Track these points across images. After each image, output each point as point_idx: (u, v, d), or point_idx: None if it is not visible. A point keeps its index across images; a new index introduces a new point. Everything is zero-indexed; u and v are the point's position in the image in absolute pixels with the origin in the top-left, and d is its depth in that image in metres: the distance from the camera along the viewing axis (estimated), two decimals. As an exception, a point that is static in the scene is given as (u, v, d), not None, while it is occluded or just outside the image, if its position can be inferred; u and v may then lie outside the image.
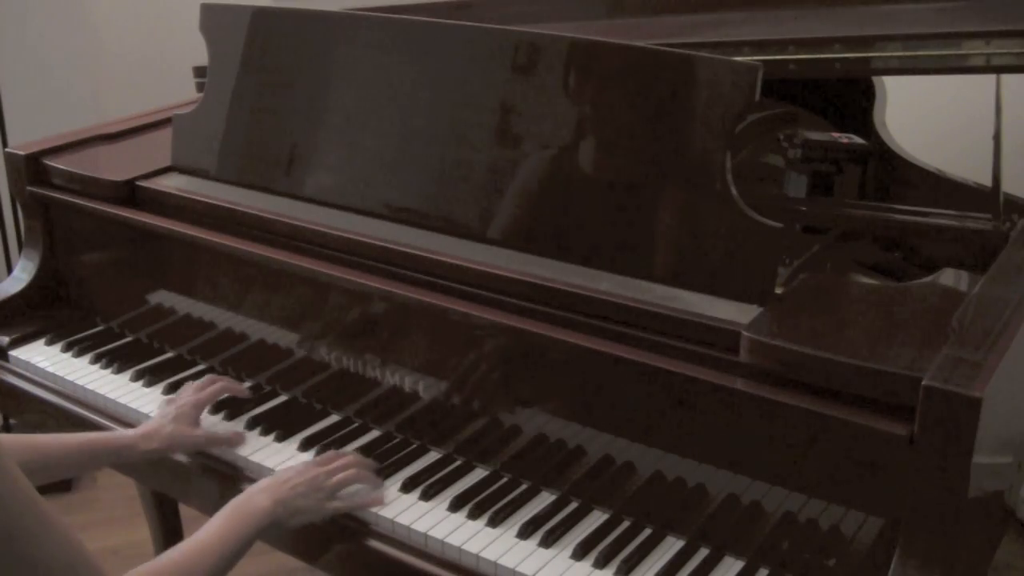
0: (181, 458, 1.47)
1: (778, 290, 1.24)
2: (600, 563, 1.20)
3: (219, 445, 1.45)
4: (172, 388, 1.60)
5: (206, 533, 1.18)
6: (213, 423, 1.51)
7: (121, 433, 1.43)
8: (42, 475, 1.30)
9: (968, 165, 1.67)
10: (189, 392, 1.49)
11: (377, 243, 1.45)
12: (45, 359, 1.70)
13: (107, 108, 2.85)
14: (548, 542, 1.24)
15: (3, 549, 0.91)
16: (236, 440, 1.45)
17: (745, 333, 1.14)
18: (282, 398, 1.58)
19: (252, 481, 1.39)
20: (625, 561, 1.20)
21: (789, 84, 1.57)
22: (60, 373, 1.66)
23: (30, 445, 1.32)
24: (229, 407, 1.53)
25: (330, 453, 1.39)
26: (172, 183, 1.72)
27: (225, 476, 1.43)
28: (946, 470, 1.02)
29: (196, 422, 1.45)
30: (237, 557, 1.19)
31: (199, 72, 2.03)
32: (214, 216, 1.62)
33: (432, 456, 1.42)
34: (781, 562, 1.18)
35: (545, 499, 1.33)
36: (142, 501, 2.10)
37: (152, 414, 1.52)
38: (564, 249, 1.35)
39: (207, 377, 1.53)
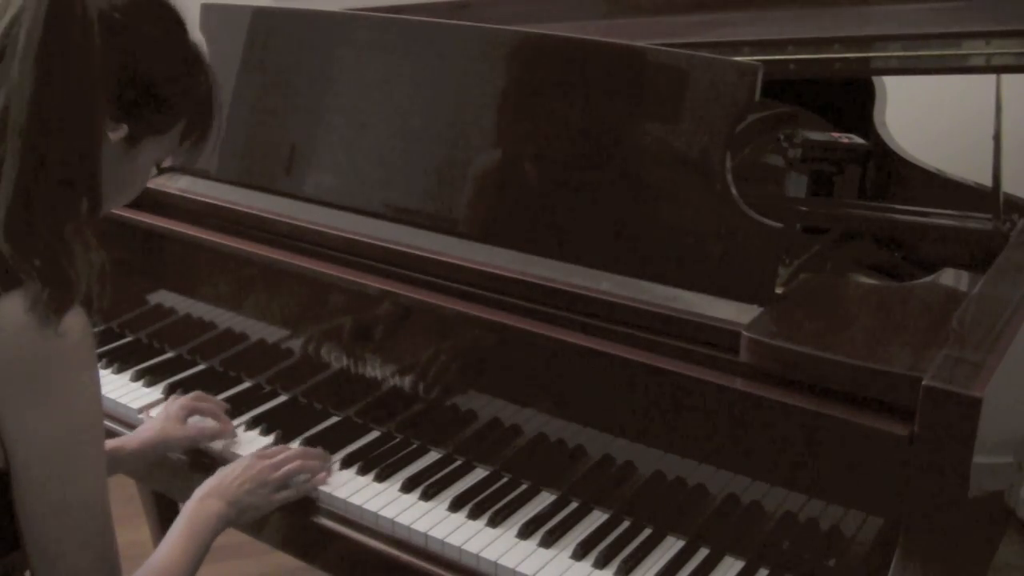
0: (182, 456, 1.47)
1: (778, 290, 1.24)
2: (600, 563, 1.20)
3: (208, 440, 1.46)
4: (172, 388, 1.60)
5: (167, 550, 1.18)
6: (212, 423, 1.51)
7: (121, 443, 1.42)
8: None
9: (968, 165, 1.67)
10: (177, 399, 1.49)
11: (377, 243, 1.44)
12: (45, 359, 1.70)
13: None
14: (548, 542, 1.24)
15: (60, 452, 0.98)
16: (224, 431, 1.47)
17: (745, 333, 1.14)
18: (282, 398, 1.58)
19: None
20: (625, 561, 1.20)
21: (789, 84, 1.57)
22: (60, 373, 1.65)
23: None
24: (229, 407, 1.53)
25: (275, 448, 1.40)
26: (172, 183, 1.72)
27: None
28: (946, 470, 1.01)
29: (183, 422, 1.45)
30: (199, 561, 1.21)
31: (199, 72, 2.03)
32: (214, 216, 1.62)
33: (432, 456, 1.42)
34: (781, 562, 1.18)
35: (545, 499, 1.32)
36: (142, 501, 2.10)
37: (152, 414, 1.53)
38: (564, 249, 1.35)
39: (196, 394, 1.51)
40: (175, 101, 1.06)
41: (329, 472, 1.37)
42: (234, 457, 1.42)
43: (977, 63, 1.43)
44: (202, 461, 1.46)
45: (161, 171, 1.75)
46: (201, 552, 1.21)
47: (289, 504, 1.34)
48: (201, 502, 1.26)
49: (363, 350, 1.46)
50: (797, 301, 1.23)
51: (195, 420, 1.48)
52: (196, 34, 1.10)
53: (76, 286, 0.96)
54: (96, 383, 1.03)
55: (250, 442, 1.46)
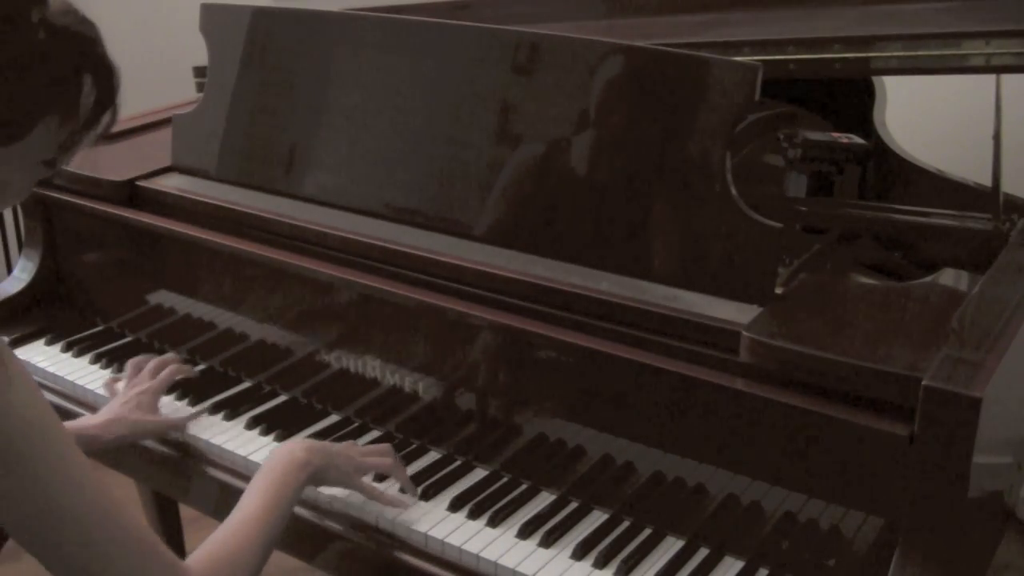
0: (190, 460, 1.47)
1: (778, 290, 1.24)
2: (600, 563, 1.20)
3: (178, 429, 1.48)
4: (172, 388, 1.58)
5: (250, 500, 1.15)
6: (212, 423, 1.51)
7: (83, 424, 1.43)
8: None
9: (968, 165, 1.67)
10: (145, 376, 1.51)
11: (377, 243, 1.44)
12: (45, 359, 1.70)
13: (107, 108, 2.84)
14: (548, 542, 1.24)
15: (39, 443, 0.90)
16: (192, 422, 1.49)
17: (745, 333, 1.14)
18: (282, 398, 1.58)
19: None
20: (625, 561, 1.20)
21: (789, 84, 1.57)
22: (60, 373, 1.66)
23: None
24: (229, 407, 1.53)
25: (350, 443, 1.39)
26: (172, 183, 1.72)
27: (227, 474, 1.43)
28: (946, 470, 1.02)
29: (154, 409, 1.48)
30: (286, 515, 1.17)
31: (199, 72, 2.04)
32: (214, 216, 1.62)
33: (432, 456, 1.42)
34: (781, 562, 1.18)
35: (545, 499, 1.32)
36: (142, 501, 2.10)
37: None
38: (564, 249, 1.35)
39: (157, 360, 1.55)
40: (16, 110, 0.87)
41: (406, 499, 1.32)
42: (242, 462, 1.43)
43: (977, 63, 1.43)
44: (207, 467, 1.46)
45: (160, 171, 1.75)
46: (286, 500, 1.16)
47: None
48: (284, 450, 1.23)
49: (363, 350, 1.46)
50: (797, 301, 1.23)
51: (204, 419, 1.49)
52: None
53: None
54: (25, 390, 0.91)
55: (249, 442, 1.46)
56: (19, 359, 0.93)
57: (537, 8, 1.86)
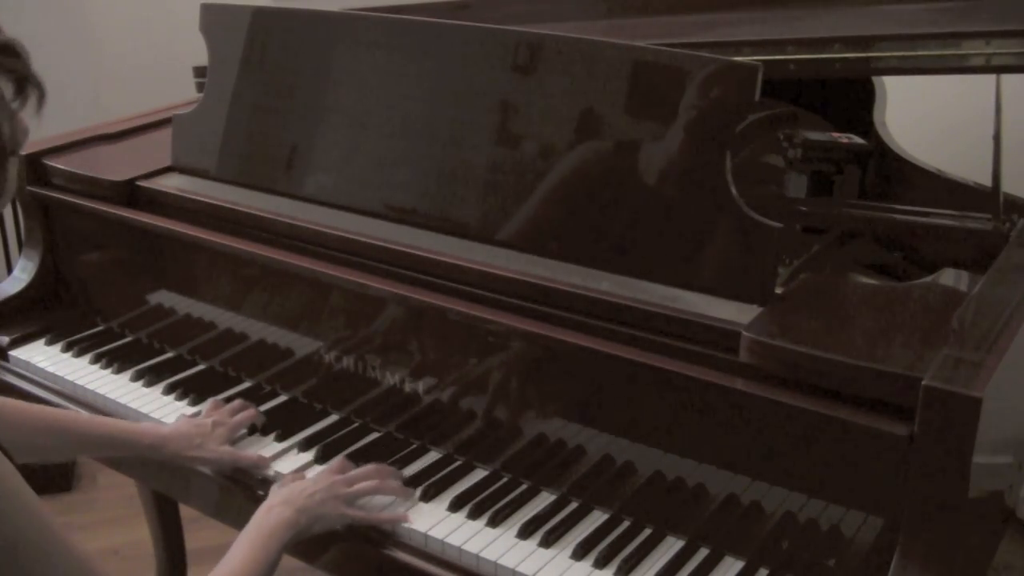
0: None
1: (778, 290, 1.24)
2: (600, 563, 1.20)
3: (242, 466, 1.42)
4: (172, 388, 1.60)
5: (234, 558, 1.16)
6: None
7: (150, 430, 1.41)
8: (65, 452, 1.27)
9: (968, 165, 1.67)
10: (224, 414, 1.46)
11: (377, 243, 1.45)
12: (45, 359, 1.70)
13: (107, 108, 2.85)
14: (548, 542, 1.24)
15: (8, 562, 0.90)
16: (261, 464, 1.41)
17: (745, 333, 1.14)
18: (282, 398, 1.58)
19: (254, 481, 1.39)
20: (625, 561, 1.20)
21: (789, 84, 1.57)
22: (60, 373, 1.66)
23: (61, 420, 1.34)
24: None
25: (340, 459, 1.37)
26: (172, 183, 1.72)
27: (225, 476, 1.43)
28: (946, 470, 1.02)
29: (227, 442, 1.42)
30: (268, 574, 1.18)
31: (199, 72, 2.04)
32: (214, 216, 1.62)
33: (432, 456, 1.42)
34: (781, 562, 1.18)
35: (545, 499, 1.33)
36: (142, 501, 2.10)
37: (151, 414, 1.53)
38: (564, 249, 1.35)
39: (238, 402, 1.50)
40: None
41: (408, 510, 1.31)
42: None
43: (977, 63, 1.43)
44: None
45: (160, 171, 1.75)
46: (269, 560, 1.17)
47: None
48: (269, 511, 1.23)
49: (363, 350, 1.46)
50: (797, 301, 1.23)
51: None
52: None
53: None
54: (18, 501, 0.91)
55: (250, 442, 1.46)
56: (12, 469, 0.92)
57: (537, 8, 1.86)
